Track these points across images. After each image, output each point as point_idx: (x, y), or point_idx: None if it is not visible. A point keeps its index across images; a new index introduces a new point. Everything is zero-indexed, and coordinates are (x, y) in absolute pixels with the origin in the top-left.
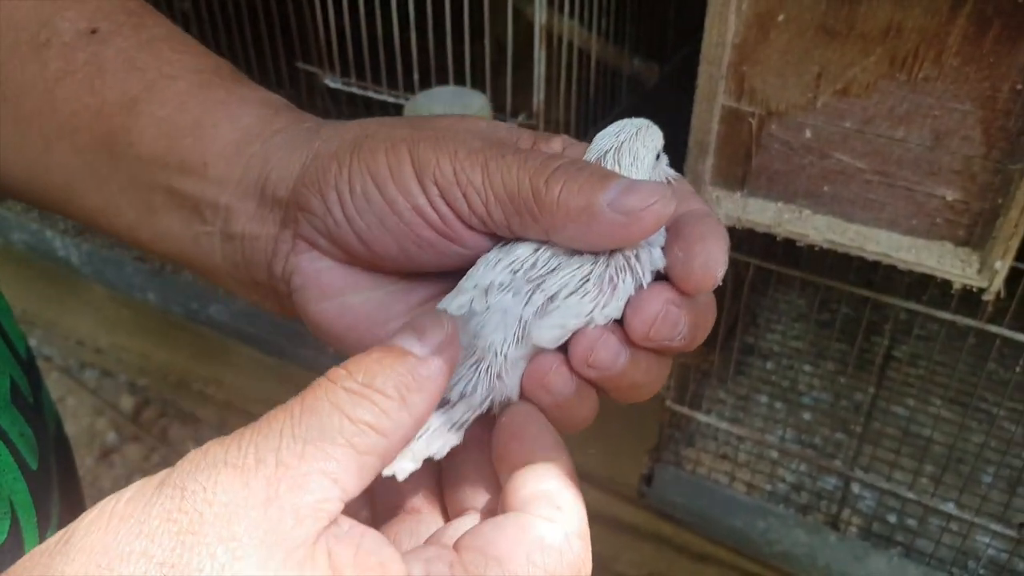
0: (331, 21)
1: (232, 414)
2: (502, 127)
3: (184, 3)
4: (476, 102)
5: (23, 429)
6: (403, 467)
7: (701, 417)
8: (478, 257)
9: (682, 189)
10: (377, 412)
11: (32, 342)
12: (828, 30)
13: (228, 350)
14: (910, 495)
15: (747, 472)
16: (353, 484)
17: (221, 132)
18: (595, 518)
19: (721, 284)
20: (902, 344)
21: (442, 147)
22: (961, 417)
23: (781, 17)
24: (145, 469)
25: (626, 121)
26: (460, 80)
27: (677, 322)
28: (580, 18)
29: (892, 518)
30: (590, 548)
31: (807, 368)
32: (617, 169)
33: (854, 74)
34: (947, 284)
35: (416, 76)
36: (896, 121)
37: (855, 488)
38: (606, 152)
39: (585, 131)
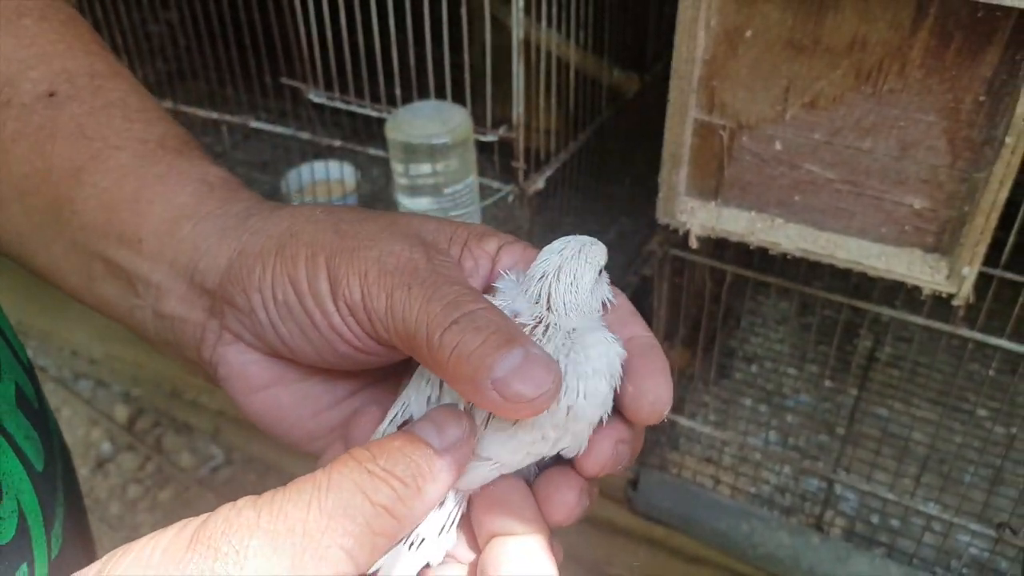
0: (314, 36)
1: (226, 422)
2: (432, 225)
3: (169, 13)
4: (457, 115)
5: (29, 432)
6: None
7: (685, 421)
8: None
9: (623, 311)
10: (394, 498)
11: (28, 353)
12: (795, 45)
13: None
14: (891, 496)
15: (731, 475)
16: (365, 560)
17: (156, 209)
18: (589, 521)
19: (702, 288)
20: (884, 346)
21: (356, 264)
22: (941, 418)
23: (749, 33)
24: (140, 479)
25: (571, 238)
26: (442, 93)
27: (624, 457)
28: (560, 29)
29: (875, 519)
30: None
31: (790, 371)
32: (555, 291)
33: (821, 87)
34: (920, 289)
35: (398, 90)
36: (863, 132)
37: (838, 490)
38: (546, 275)
39: (566, 141)
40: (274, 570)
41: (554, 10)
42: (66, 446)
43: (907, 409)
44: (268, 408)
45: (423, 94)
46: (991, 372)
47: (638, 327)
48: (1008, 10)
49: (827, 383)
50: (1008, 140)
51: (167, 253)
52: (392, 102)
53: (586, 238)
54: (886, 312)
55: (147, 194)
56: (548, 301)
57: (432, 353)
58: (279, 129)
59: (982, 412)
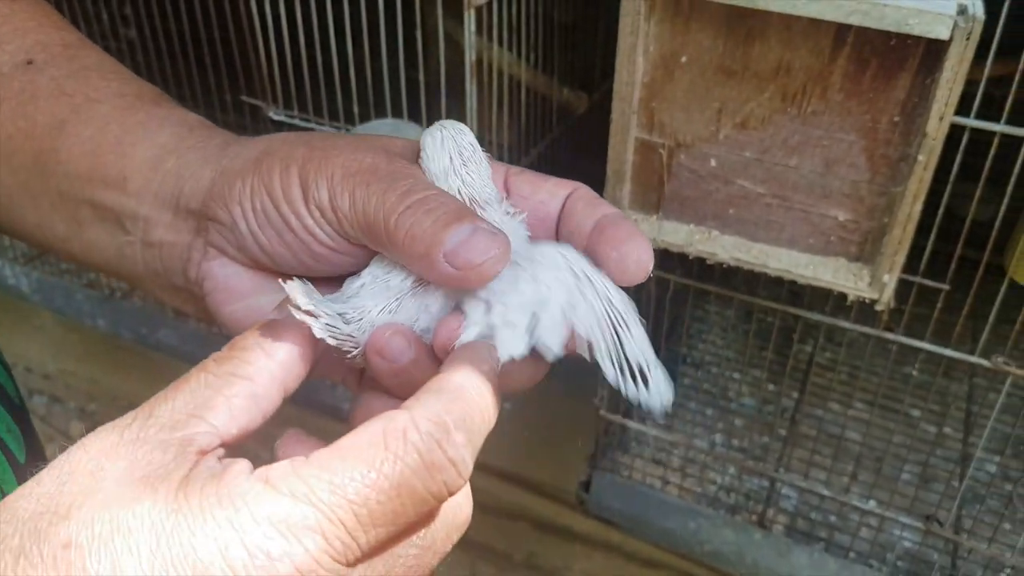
0: (274, 55)
1: None
2: (400, 143)
3: (129, 30)
4: (412, 133)
5: (11, 426)
6: (292, 286)
7: (634, 425)
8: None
9: (587, 195)
10: (237, 362)
11: None
12: (726, 70)
13: (178, 373)
14: (828, 493)
15: (679, 476)
16: (223, 421)
17: (139, 150)
18: (546, 528)
19: (648, 298)
20: (823, 351)
21: (324, 169)
22: (874, 417)
23: (684, 59)
24: None
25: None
26: (398, 110)
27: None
28: (511, 49)
29: (814, 515)
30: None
31: (735, 376)
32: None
33: (751, 109)
34: (846, 296)
35: (356, 108)
36: (790, 151)
37: (780, 488)
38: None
39: (518, 158)
40: (117, 449)
41: (505, 31)
42: (43, 445)
43: (844, 410)
44: (249, 317)
45: (380, 111)
46: (914, 371)
47: (606, 207)
48: (918, 39)
49: (769, 387)
50: (921, 157)
51: (152, 187)
52: (350, 120)
53: (444, 124)
54: (816, 318)
55: (129, 138)
56: (468, 198)
57: (390, 237)
58: None
59: (914, 412)
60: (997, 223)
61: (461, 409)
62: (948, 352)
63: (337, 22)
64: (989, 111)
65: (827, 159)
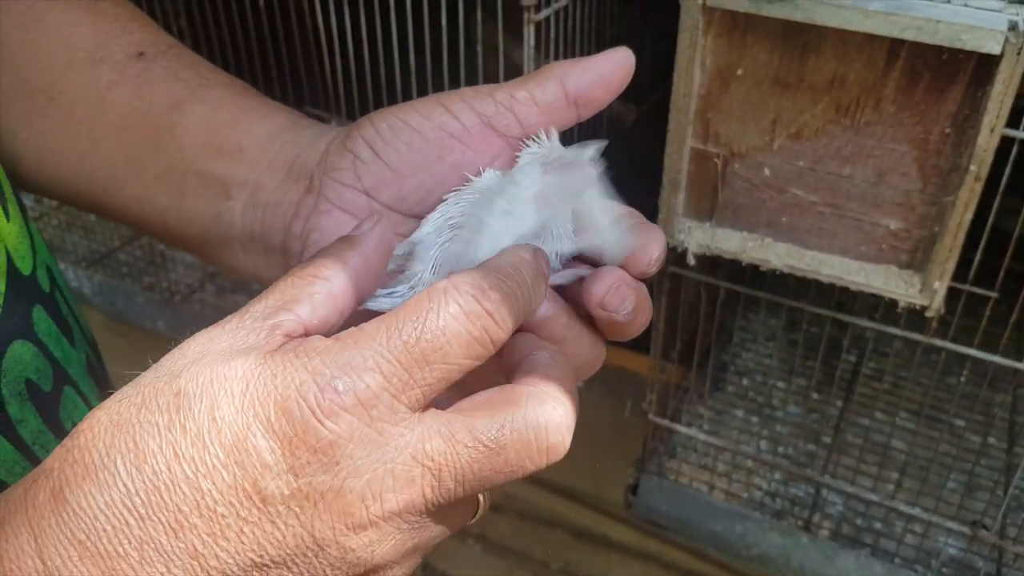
0: (338, 67)
1: None
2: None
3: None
4: None
5: (99, 397)
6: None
7: (682, 429)
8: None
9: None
10: (318, 267)
11: None
12: (781, 82)
13: None
14: (874, 497)
15: (725, 481)
16: (306, 312)
17: (255, 126)
18: (585, 536)
19: (697, 305)
20: (869, 361)
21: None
22: (917, 426)
23: (740, 71)
24: None
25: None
26: None
27: (625, 297)
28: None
29: (859, 521)
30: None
31: (779, 384)
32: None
33: (805, 120)
34: (896, 302)
35: None
36: (843, 160)
37: (825, 494)
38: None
39: None
40: (218, 334)
41: (561, 47)
42: None
43: (889, 419)
44: None
45: None
46: (961, 380)
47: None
48: (970, 54)
49: (814, 395)
50: (972, 168)
51: (267, 156)
52: None
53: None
54: (866, 324)
55: (245, 117)
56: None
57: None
58: None
59: (958, 422)
60: None
61: (498, 278)
62: (996, 359)
63: (401, 37)
64: None
65: (879, 169)
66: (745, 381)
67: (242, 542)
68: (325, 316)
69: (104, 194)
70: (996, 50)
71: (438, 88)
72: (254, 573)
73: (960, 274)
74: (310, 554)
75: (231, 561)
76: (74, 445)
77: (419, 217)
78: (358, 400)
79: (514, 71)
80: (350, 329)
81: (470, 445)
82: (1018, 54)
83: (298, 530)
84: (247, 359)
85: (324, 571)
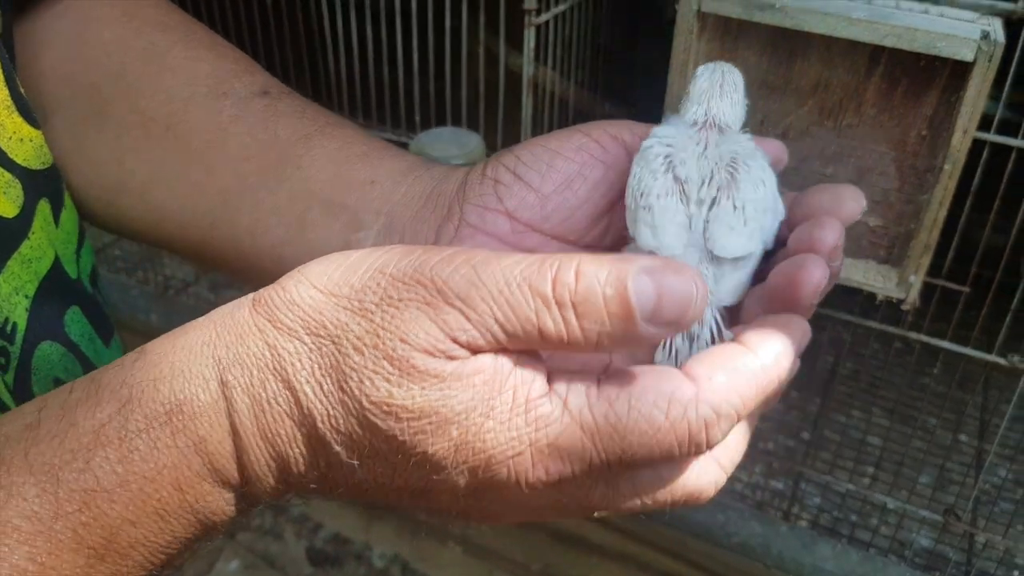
0: (343, 68)
1: None
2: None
3: None
4: (472, 141)
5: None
6: None
7: None
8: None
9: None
10: (559, 338)
11: None
12: (769, 85)
13: None
14: (851, 486)
15: None
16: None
17: (387, 161)
18: (563, 538)
19: None
20: (846, 362)
21: None
22: (892, 423)
23: None
24: None
25: (711, 64)
26: (457, 121)
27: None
28: (560, 71)
29: (836, 512)
30: (720, 434)
31: None
32: (717, 106)
33: (791, 121)
34: (873, 297)
35: (418, 117)
36: (826, 160)
37: (804, 486)
38: (704, 94)
39: None
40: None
41: (559, 52)
42: None
43: (865, 416)
44: None
45: (441, 121)
46: (934, 372)
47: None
48: (945, 60)
49: (793, 394)
50: (946, 167)
51: (400, 188)
52: (412, 128)
53: (722, 63)
54: (846, 317)
55: (376, 153)
56: (711, 118)
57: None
58: None
59: (931, 420)
60: (1014, 231)
61: (738, 400)
62: (967, 351)
63: (406, 42)
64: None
65: (860, 168)
66: None
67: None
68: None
69: (213, 227)
70: (969, 57)
71: (442, 94)
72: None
73: (935, 269)
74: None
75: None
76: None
77: (563, 239)
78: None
79: (513, 78)
80: (580, 391)
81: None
82: (989, 61)
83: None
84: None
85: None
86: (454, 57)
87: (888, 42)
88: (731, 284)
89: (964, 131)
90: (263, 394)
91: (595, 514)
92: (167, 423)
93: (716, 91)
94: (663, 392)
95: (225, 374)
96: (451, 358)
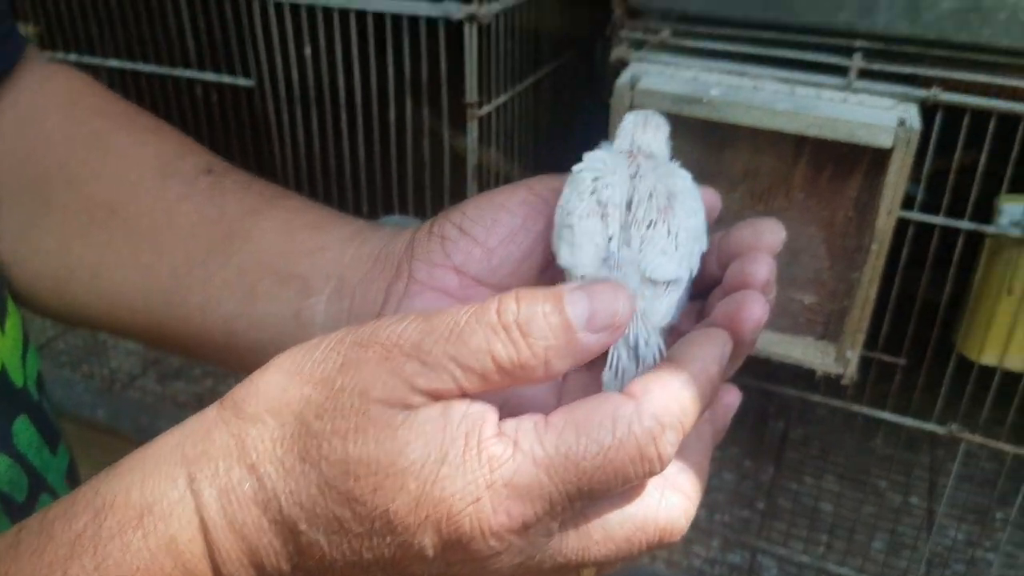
0: (289, 160)
1: None
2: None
3: None
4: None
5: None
6: None
7: None
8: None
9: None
10: (514, 364)
11: None
12: (702, 172)
13: None
14: (806, 559)
15: (665, 551)
16: (474, 391)
17: (337, 227)
18: None
19: None
20: (796, 428)
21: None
22: (843, 489)
23: None
24: None
25: (637, 111)
26: (404, 209)
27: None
28: (504, 154)
29: None
30: (668, 445)
31: (715, 453)
32: (643, 137)
33: (725, 206)
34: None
35: (366, 207)
36: None
37: (760, 559)
38: (633, 126)
39: None
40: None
41: (502, 139)
42: None
43: (816, 483)
44: None
45: (388, 207)
46: (878, 441)
47: None
48: (866, 147)
49: (747, 463)
50: (873, 247)
51: (349, 251)
52: (360, 216)
53: (649, 110)
54: (789, 392)
55: (324, 221)
56: (639, 146)
57: None
58: None
59: (881, 483)
60: (943, 303)
61: (679, 410)
62: (908, 421)
63: (351, 133)
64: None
65: (793, 249)
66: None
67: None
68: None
69: (164, 306)
70: (888, 144)
71: (387, 177)
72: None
73: (872, 343)
74: None
75: None
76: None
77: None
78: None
79: (458, 160)
80: (527, 426)
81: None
82: (907, 146)
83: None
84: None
85: None
86: (399, 146)
87: (811, 132)
88: (665, 305)
89: (888, 212)
90: (228, 482)
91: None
92: (139, 526)
93: (642, 126)
94: (606, 412)
95: (192, 469)
96: (406, 407)
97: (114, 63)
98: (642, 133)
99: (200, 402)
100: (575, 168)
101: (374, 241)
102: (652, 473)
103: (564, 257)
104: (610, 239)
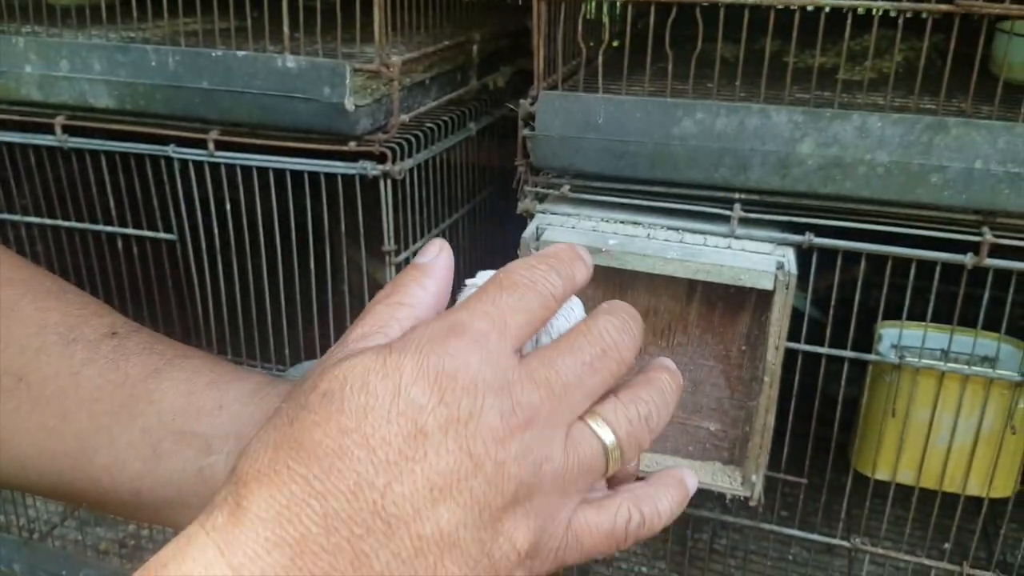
0: (211, 306)
1: None
2: None
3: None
4: None
5: None
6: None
7: None
8: None
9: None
10: (400, 293)
11: None
12: None
13: None
14: None
15: None
16: (395, 333)
17: (235, 385)
18: None
19: None
20: (721, 539)
21: None
22: None
23: None
24: None
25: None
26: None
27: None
28: None
29: None
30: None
31: (643, 569)
32: None
33: None
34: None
35: (288, 350)
36: None
37: None
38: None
39: None
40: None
41: None
42: None
43: None
44: None
45: (310, 351)
46: (791, 555)
47: None
48: (750, 289)
49: None
50: (766, 378)
51: (248, 409)
52: (281, 361)
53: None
54: (704, 514)
55: (223, 379)
56: None
57: None
58: None
59: None
60: (836, 426)
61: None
62: (815, 536)
63: (270, 267)
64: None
65: (694, 380)
66: (610, 570)
67: (414, 482)
68: None
69: (71, 469)
70: (769, 286)
71: (309, 316)
72: (426, 508)
73: (777, 463)
74: (469, 476)
75: (407, 504)
76: (236, 489)
77: None
78: (475, 338)
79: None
80: None
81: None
82: (787, 288)
83: (456, 452)
84: (367, 352)
85: (484, 493)
86: (319, 293)
87: (700, 276)
88: None
89: (776, 346)
90: None
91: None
92: None
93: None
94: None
95: None
96: None
97: (34, 219)
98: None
99: (122, 547)
100: (468, 282)
101: (272, 397)
102: (556, 292)
103: None
104: None
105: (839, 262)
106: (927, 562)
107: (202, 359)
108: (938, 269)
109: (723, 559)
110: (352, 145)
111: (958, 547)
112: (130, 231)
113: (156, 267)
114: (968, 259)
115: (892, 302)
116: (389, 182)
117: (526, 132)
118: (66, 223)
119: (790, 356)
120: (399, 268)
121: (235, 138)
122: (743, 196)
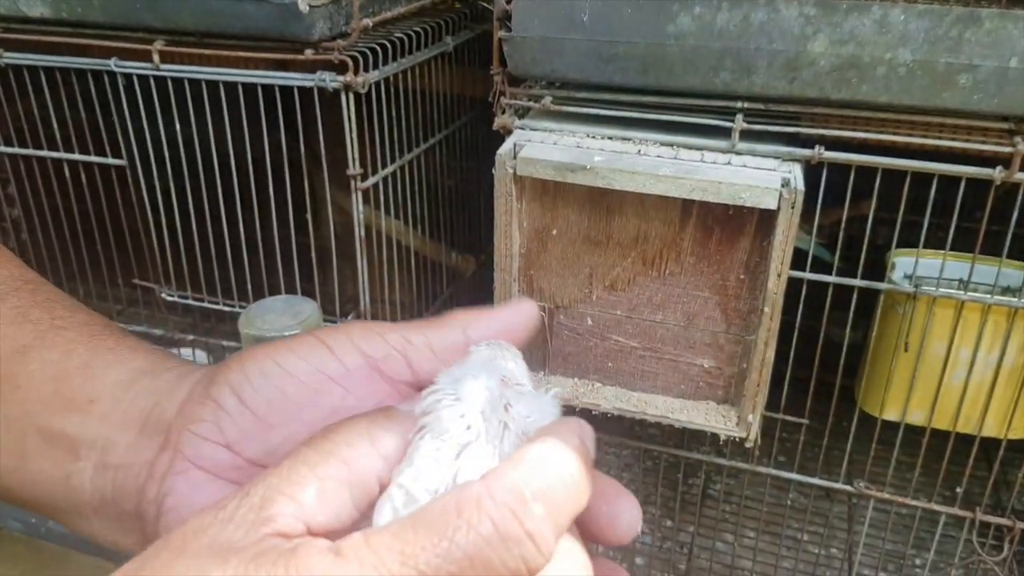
0: (165, 233)
1: None
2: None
3: (14, 211)
4: (307, 309)
5: None
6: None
7: None
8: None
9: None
10: (339, 443)
11: None
12: (592, 240)
13: (69, 562)
14: None
15: None
16: (310, 500)
17: (111, 372)
18: None
19: None
20: (714, 484)
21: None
22: (762, 543)
23: (555, 232)
24: None
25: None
26: (291, 285)
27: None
28: (400, 218)
29: None
30: (539, 520)
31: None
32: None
33: (617, 273)
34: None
35: (249, 286)
36: (655, 307)
37: None
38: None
39: (415, 317)
40: (214, 522)
41: (393, 204)
42: None
43: (737, 540)
44: None
45: (274, 286)
46: (790, 500)
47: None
48: (752, 209)
49: (667, 523)
50: (766, 309)
51: (121, 406)
52: (244, 297)
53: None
54: (697, 457)
55: (99, 361)
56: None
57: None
58: (133, 327)
59: (802, 536)
60: (841, 362)
61: (542, 480)
62: (815, 480)
63: (228, 204)
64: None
65: (687, 313)
66: None
67: None
68: (336, 511)
69: None
70: (773, 205)
71: (269, 252)
72: None
73: (775, 401)
74: None
75: None
76: None
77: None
78: None
79: (348, 222)
80: (355, 536)
81: None
82: (792, 207)
83: None
84: (225, 568)
85: None
86: (280, 220)
87: (695, 196)
88: None
89: (778, 274)
90: None
91: None
92: None
93: (499, 354)
94: (447, 500)
95: None
96: None
97: None
98: (501, 359)
99: None
100: (473, 349)
101: (147, 395)
102: (532, 563)
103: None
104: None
105: (848, 194)
106: (937, 507)
107: (80, 331)
108: (962, 187)
109: (717, 504)
110: (308, 53)
111: (969, 493)
112: (76, 156)
113: (107, 195)
114: (997, 173)
115: (904, 240)
116: (351, 96)
117: (502, 34)
118: (8, 149)
119: (791, 298)
120: (366, 195)
121: (181, 48)
122: (746, 105)
